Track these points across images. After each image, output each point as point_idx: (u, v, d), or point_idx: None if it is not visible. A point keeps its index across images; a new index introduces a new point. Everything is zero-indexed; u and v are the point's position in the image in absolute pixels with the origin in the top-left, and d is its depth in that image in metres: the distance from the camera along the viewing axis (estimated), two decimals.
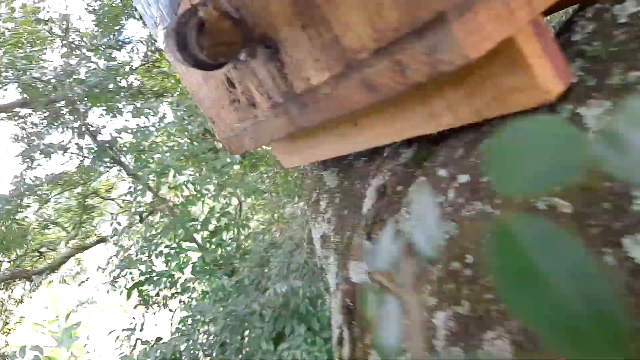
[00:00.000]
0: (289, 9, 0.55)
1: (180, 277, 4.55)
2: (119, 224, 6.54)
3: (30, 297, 7.14)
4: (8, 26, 9.07)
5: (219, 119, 0.92)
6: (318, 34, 0.54)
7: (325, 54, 0.55)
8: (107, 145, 5.09)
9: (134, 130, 5.53)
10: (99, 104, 5.49)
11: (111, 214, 8.36)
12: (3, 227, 6.42)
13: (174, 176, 5.40)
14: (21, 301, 7.45)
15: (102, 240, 7.26)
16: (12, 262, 7.29)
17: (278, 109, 0.72)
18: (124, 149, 5.40)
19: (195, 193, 5.35)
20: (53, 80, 5.34)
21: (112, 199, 7.83)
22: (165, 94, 8.98)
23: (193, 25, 0.54)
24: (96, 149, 5.17)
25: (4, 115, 6.52)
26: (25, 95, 6.50)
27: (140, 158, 5.38)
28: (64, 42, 7.28)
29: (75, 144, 5.23)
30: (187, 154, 5.53)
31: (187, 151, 5.40)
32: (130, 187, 5.22)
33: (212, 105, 0.91)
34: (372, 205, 0.73)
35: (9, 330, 7.29)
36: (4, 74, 6.20)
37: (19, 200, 6.83)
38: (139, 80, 8.39)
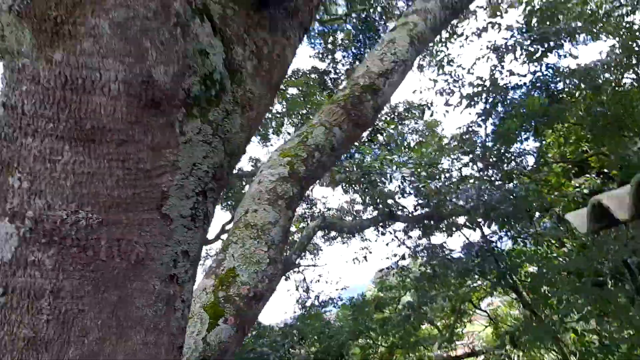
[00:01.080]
0: None
1: None
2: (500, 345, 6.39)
3: None
4: (413, 137, 10.71)
5: None
6: None
7: None
8: (508, 273, 5.06)
9: (532, 254, 5.36)
10: (502, 227, 5.59)
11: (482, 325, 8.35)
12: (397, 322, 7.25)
13: (577, 320, 4.86)
14: None
15: (473, 354, 7.23)
16: (386, 348, 8.12)
17: None
18: (525, 279, 5.26)
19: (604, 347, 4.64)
20: (462, 202, 5.76)
21: (482, 309, 7.80)
22: (550, 209, 8.58)
23: None
24: (497, 273, 5.21)
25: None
26: (422, 203, 7.33)
27: (538, 291, 5.10)
28: (464, 153, 7.94)
29: (478, 266, 5.43)
30: (595, 297, 4.91)
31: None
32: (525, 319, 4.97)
33: None
34: None
35: None
36: (408, 184, 7.21)
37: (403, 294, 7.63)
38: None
